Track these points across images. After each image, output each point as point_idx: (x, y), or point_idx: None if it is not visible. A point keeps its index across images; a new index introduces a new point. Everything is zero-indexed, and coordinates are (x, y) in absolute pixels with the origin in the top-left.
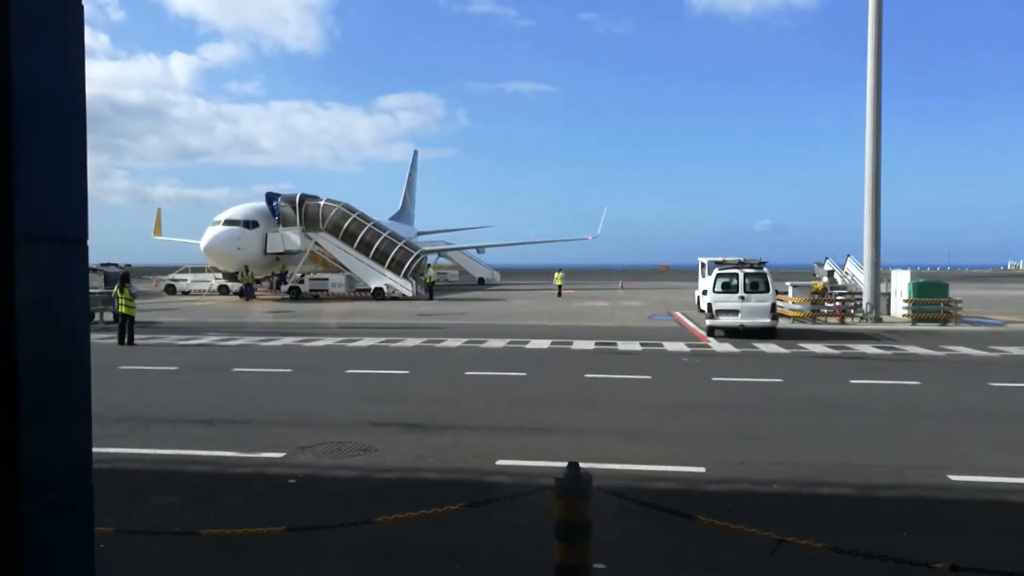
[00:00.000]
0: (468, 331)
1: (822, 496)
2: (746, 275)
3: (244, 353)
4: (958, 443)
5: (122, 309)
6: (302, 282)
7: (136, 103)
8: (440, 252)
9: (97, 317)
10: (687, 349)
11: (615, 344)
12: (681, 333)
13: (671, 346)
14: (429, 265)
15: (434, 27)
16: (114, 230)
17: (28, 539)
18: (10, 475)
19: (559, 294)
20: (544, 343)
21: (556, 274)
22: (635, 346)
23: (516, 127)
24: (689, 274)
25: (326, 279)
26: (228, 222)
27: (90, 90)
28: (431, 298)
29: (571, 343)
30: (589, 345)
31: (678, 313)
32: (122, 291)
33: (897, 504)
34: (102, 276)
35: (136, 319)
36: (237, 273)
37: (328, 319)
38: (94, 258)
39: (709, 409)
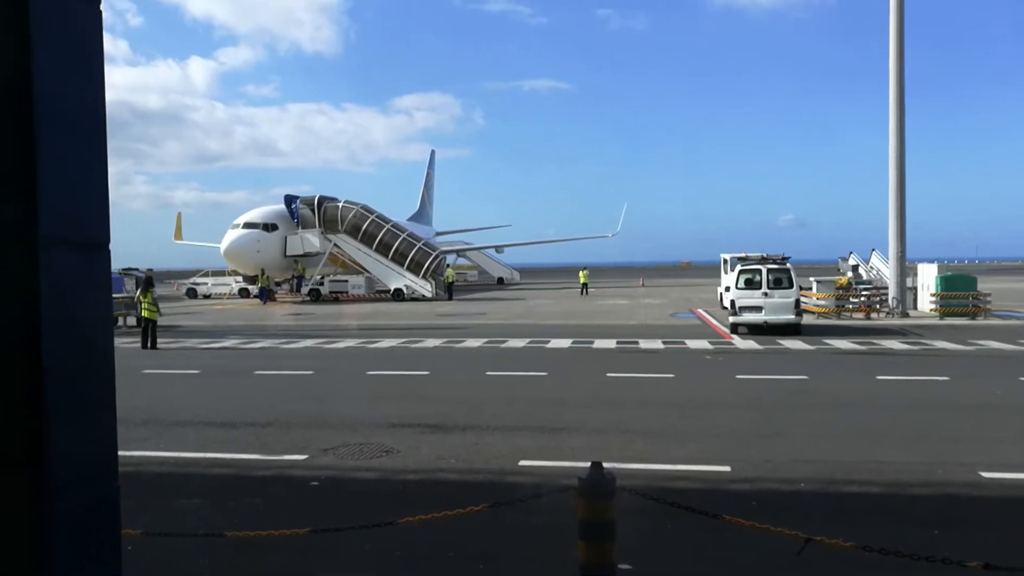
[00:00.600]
0: (488, 331)
1: (850, 494)
2: (769, 271)
3: (265, 356)
4: (989, 439)
5: (145, 313)
6: (322, 284)
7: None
8: (459, 252)
9: (120, 322)
10: (710, 347)
11: (637, 342)
12: (704, 330)
13: (694, 344)
14: (448, 265)
15: (449, 26)
16: (136, 235)
17: (55, 540)
18: (37, 475)
19: (584, 292)
20: (565, 342)
21: (581, 272)
22: (657, 344)
23: (532, 125)
24: (711, 271)
25: (346, 281)
26: (247, 225)
27: (110, 96)
28: (451, 298)
29: (592, 342)
30: (611, 344)
31: (700, 310)
32: (145, 295)
33: (927, 502)
34: (133, 280)
35: (159, 323)
36: (257, 276)
37: (348, 321)
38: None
39: (733, 407)
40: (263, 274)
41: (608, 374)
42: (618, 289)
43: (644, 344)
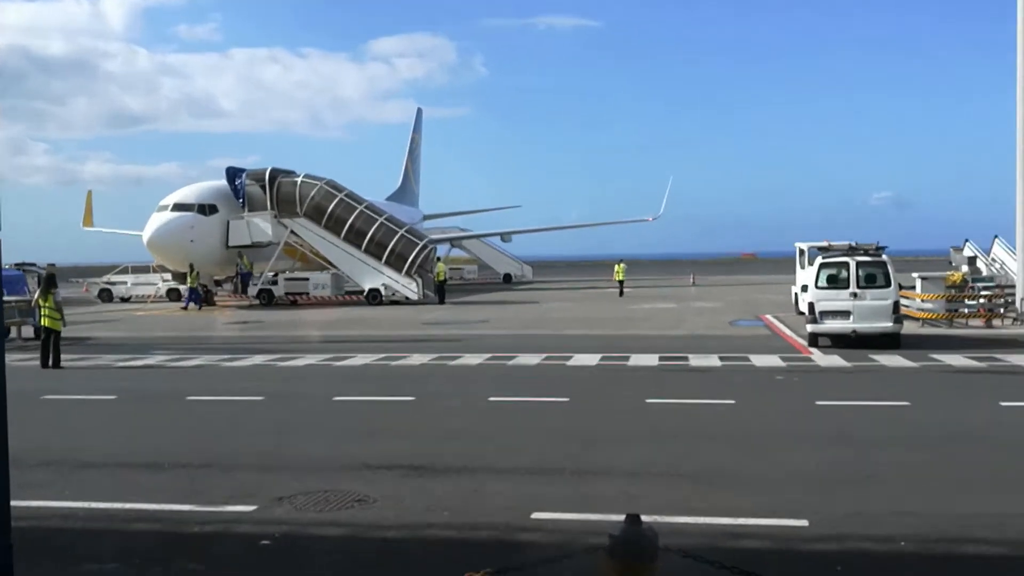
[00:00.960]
0: (492, 344)
1: (964, 557)
2: (859, 265)
3: (202, 376)
4: None
5: (45, 322)
6: (275, 283)
7: (59, 56)
8: (453, 241)
9: (14, 332)
10: (781, 364)
11: (685, 358)
12: (773, 342)
13: (760, 360)
14: (439, 258)
15: None
16: (33, 220)
17: None
18: None
19: (621, 292)
20: (592, 358)
21: (617, 266)
22: (712, 360)
23: (550, 76)
24: (783, 264)
25: (306, 279)
26: (178, 207)
27: None
28: (442, 301)
29: (627, 358)
30: (651, 360)
31: (769, 316)
32: (45, 298)
33: None
34: (35, 278)
35: (63, 334)
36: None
37: (310, 330)
38: (7, 256)
39: (811, 443)
40: (192, 271)
41: (648, 399)
42: (661, 289)
43: (695, 360)
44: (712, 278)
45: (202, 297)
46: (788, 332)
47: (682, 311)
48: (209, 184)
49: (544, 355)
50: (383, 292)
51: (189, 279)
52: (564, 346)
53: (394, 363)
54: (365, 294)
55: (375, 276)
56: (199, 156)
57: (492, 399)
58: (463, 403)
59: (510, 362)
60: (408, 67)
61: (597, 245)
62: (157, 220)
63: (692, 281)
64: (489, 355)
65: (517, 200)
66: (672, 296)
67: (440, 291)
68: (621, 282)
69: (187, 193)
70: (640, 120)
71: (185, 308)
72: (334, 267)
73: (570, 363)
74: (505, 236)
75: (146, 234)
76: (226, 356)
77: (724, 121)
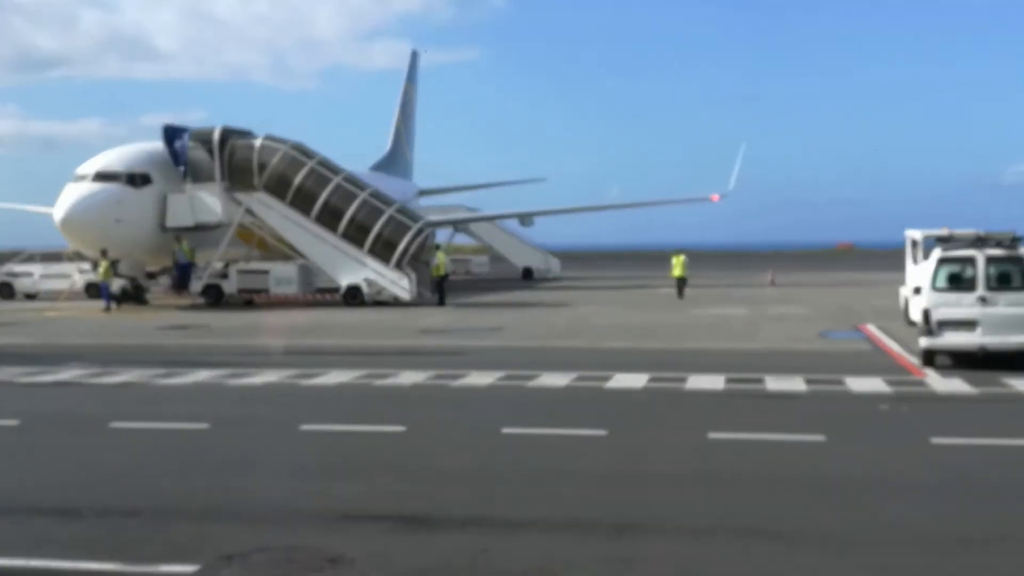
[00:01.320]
0: (506, 359)
1: None
2: (990, 260)
3: (130, 397)
4: None
5: None
6: (225, 276)
7: None
8: (457, 225)
9: None
10: (886, 389)
11: (761, 380)
12: (876, 360)
13: (858, 383)
14: (439, 246)
15: None
16: None
17: None
18: None
19: (680, 292)
20: (638, 379)
21: (674, 259)
22: (795, 383)
23: (588, 9)
24: (889, 258)
25: (266, 272)
26: (101, 176)
27: None
28: (442, 302)
29: (684, 379)
30: (716, 382)
31: (870, 327)
32: None
33: None
34: None
35: None
36: (116, 261)
37: (270, 338)
38: None
39: (924, 493)
40: (105, 257)
41: (711, 434)
42: (729, 289)
43: (774, 383)
44: (796, 275)
45: (119, 294)
46: (895, 347)
47: (757, 318)
48: (141, 147)
49: (575, 374)
50: (365, 290)
51: (100, 269)
52: (602, 363)
53: (379, 382)
54: (342, 292)
55: (355, 269)
56: (128, 111)
57: (506, 431)
58: (468, 435)
59: (530, 383)
60: None
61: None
62: (73, 193)
63: (770, 279)
64: (503, 373)
65: (541, 171)
66: (744, 299)
67: (440, 289)
68: (681, 279)
69: (112, 159)
70: (706, 70)
71: (107, 309)
72: (302, 256)
73: (609, 385)
74: (525, 219)
75: (58, 211)
76: (161, 371)
77: (816, 76)
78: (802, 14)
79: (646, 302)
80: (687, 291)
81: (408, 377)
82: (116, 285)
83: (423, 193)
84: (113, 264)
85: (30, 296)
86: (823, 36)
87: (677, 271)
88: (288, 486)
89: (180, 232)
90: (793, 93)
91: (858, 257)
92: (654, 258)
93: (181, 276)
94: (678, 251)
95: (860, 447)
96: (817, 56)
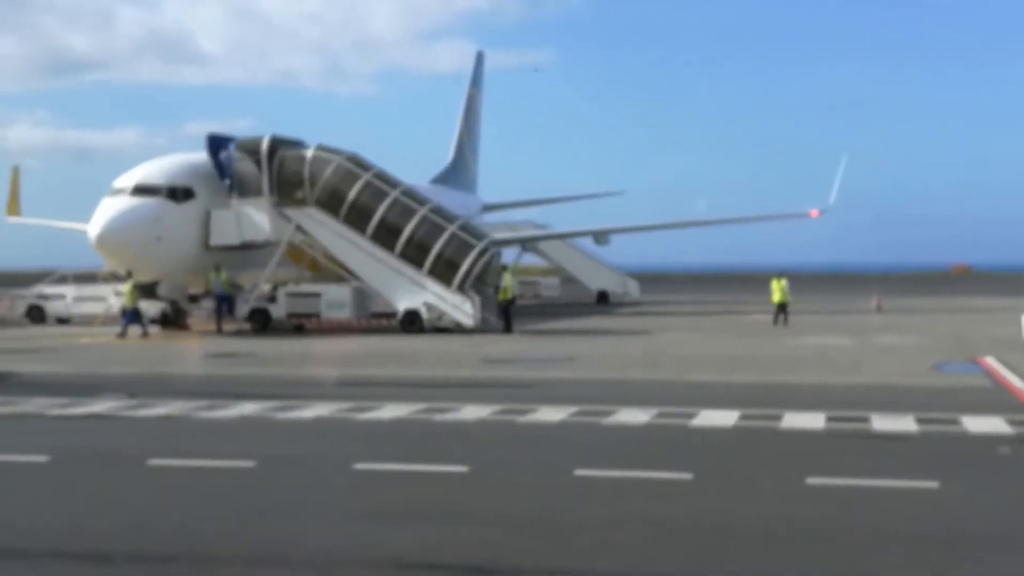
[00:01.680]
0: (579, 392)
1: None
2: None
3: (170, 431)
4: None
5: None
6: (274, 300)
7: None
8: (526, 243)
9: None
10: (1008, 430)
11: (866, 418)
12: (996, 398)
13: (976, 423)
14: (505, 267)
15: None
16: None
17: None
18: None
19: (780, 318)
20: (727, 416)
21: (774, 282)
22: (905, 423)
23: (669, 5)
24: (1010, 282)
25: (317, 295)
26: (140, 190)
27: None
28: (509, 329)
29: (779, 416)
30: (815, 420)
31: (989, 359)
32: None
33: None
34: None
35: None
36: (156, 283)
37: (322, 368)
38: None
39: None
40: (130, 279)
41: (809, 479)
42: (830, 316)
43: (880, 422)
44: (906, 301)
45: (159, 319)
46: (1017, 383)
47: (862, 349)
48: (183, 158)
49: (656, 410)
50: (425, 315)
51: (125, 292)
52: (686, 397)
53: (439, 417)
54: (399, 317)
55: (414, 292)
56: (169, 118)
57: (579, 472)
58: (537, 477)
59: (606, 419)
60: None
61: (736, 250)
62: (110, 208)
63: (876, 305)
64: (576, 408)
65: (618, 184)
66: (847, 327)
67: (506, 314)
68: (781, 305)
69: (152, 171)
70: (806, 72)
71: (121, 335)
72: (356, 278)
73: (694, 423)
74: (600, 236)
75: (94, 228)
76: (204, 403)
77: (934, 80)
78: (917, 10)
79: (736, 330)
80: (790, 319)
81: (471, 412)
82: (155, 309)
83: (488, 208)
84: (152, 286)
85: (62, 320)
86: (943, 33)
87: (777, 296)
88: (340, 531)
89: (226, 250)
90: (904, 98)
91: (975, 280)
92: (745, 280)
93: (217, 308)
94: (779, 274)
95: (978, 495)
96: (934, 56)
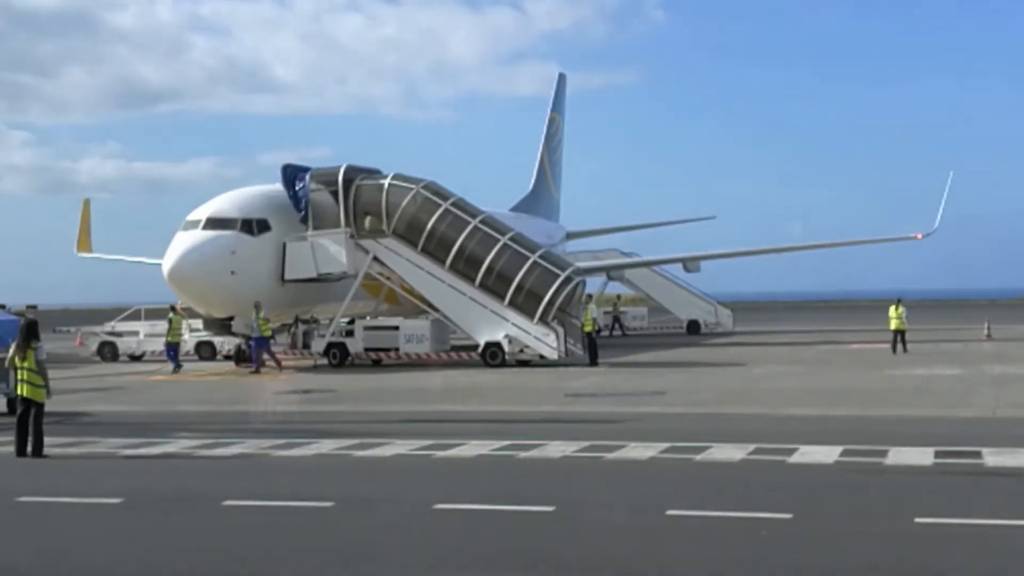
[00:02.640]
0: (670, 428)
1: None
2: None
3: (245, 471)
4: None
5: (23, 390)
6: (351, 333)
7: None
8: (611, 272)
9: None
10: None
11: (978, 453)
12: None
13: None
14: (590, 297)
15: None
16: (5, 242)
17: None
18: None
19: (898, 346)
20: (828, 452)
21: (892, 309)
22: (1020, 458)
23: (759, 22)
24: None
25: (395, 328)
26: (214, 223)
27: None
28: (594, 362)
29: (884, 452)
30: (923, 456)
31: None
32: (23, 357)
33: None
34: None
35: (47, 407)
36: (231, 318)
37: (401, 405)
38: None
39: None
40: (176, 312)
41: (917, 519)
42: (937, 344)
43: (993, 458)
44: (1018, 328)
45: (233, 355)
46: None
47: (972, 379)
48: (258, 190)
49: (752, 446)
50: (506, 347)
51: (170, 328)
52: (784, 433)
53: (523, 455)
54: (480, 350)
55: (495, 324)
56: (243, 149)
57: (671, 512)
58: (627, 517)
59: (699, 456)
60: (548, 14)
61: (834, 276)
62: (183, 242)
63: (987, 332)
64: (666, 445)
65: (708, 209)
66: (955, 356)
67: (592, 346)
68: (900, 332)
69: (226, 203)
70: (908, 89)
71: (176, 369)
72: (435, 310)
73: (793, 459)
74: (690, 263)
75: (167, 262)
76: (281, 441)
77: None
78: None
79: (836, 360)
80: (879, 346)
81: (556, 448)
82: (230, 344)
83: (571, 236)
84: (226, 321)
85: (135, 358)
86: None
87: (895, 323)
88: (420, 573)
89: (303, 283)
90: (1015, 109)
91: None
92: (844, 308)
93: (302, 333)
94: (897, 300)
95: None
96: None
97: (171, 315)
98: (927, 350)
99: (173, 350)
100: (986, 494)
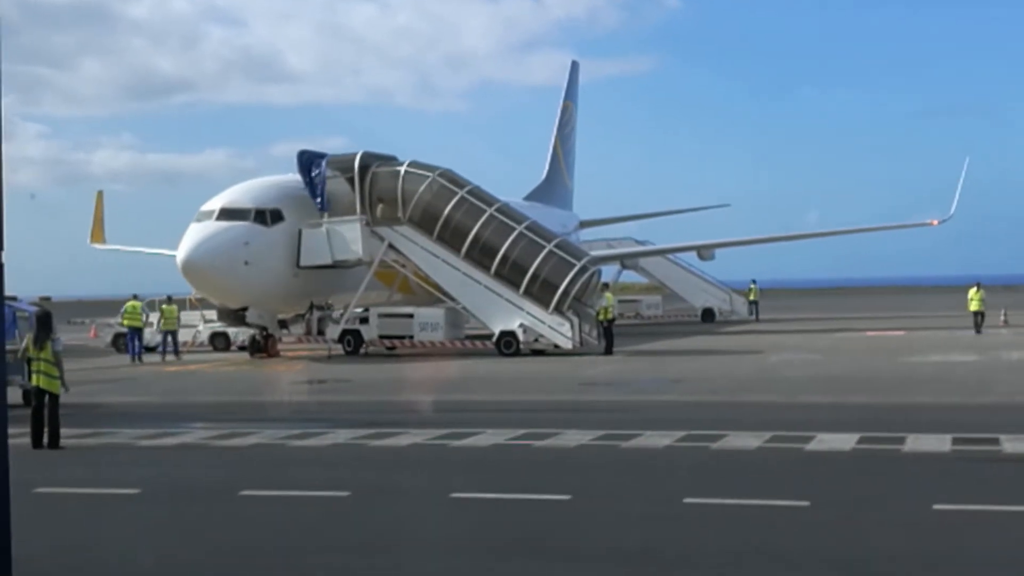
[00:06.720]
0: (686, 416)
1: None
2: None
3: (262, 461)
4: None
5: (39, 381)
6: (365, 321)
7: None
8: (625, 260)
9: None
10: None
11: (995, 440)
12: None
13: None
14: (606, 286)
15: None
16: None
17: None
18: None
19: (978, 327)
20: (845, 439)
21: (973, 291)
22: None
23: (774, 9)
24: None
25: (409, 316)
26: (227, 213)
27: None
28: (610, 350)
29: (901, 439)
30: (940, 443)
31: None
32: (40, 348)
33: None
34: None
35: (63, 399)
36: (245, 308)
37: (415, 394)
38: None
39: None
40: (171, 301)
41: (936, 505)
42: (953, 331)
43: (1011, 444)
44: None
45: (266, 341)
46: None
47: (989, 366)
48: (272, 180)
49: (769, 434)
50: (521, 337)
51: (162, 317)
52: (801, 420)
53: (539, 443)
54: (495, 339)
55: (510, 313)
56: (258, 140)
57: (688, 500)
58: (644, 505)
59: (715, 444)
60: (562, 1)
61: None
62: (197, 233)
63: (1003, 319)
64: (683, 433)
65: (722, 197)
66: (972, 342)
67: (607, 335)
68: (978, 313)
69: (240, 193)
70: (925, 77)
71: (135, 359)
72: (450, 299)
73: (810, 447)
74: (704, 251)
75: (181, 253)
76: (296, 431)
77: None
78: None
79: (852, 347)
80: (895, 334)
81: (572, 437)
82: (244, 335)
83: (585, 224)
84: (240, 311)
85: (149, 349)
86: None
87: (975, 304)
88: (440, 565)
89: (317, 270)
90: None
91: None
92: (859, 294)
93: (317, 322)
94: (977, 283)
95: None
96: None
97: (163, 305)
98: (944, 337)
99: (168, 337)
100: (1004, 480)
